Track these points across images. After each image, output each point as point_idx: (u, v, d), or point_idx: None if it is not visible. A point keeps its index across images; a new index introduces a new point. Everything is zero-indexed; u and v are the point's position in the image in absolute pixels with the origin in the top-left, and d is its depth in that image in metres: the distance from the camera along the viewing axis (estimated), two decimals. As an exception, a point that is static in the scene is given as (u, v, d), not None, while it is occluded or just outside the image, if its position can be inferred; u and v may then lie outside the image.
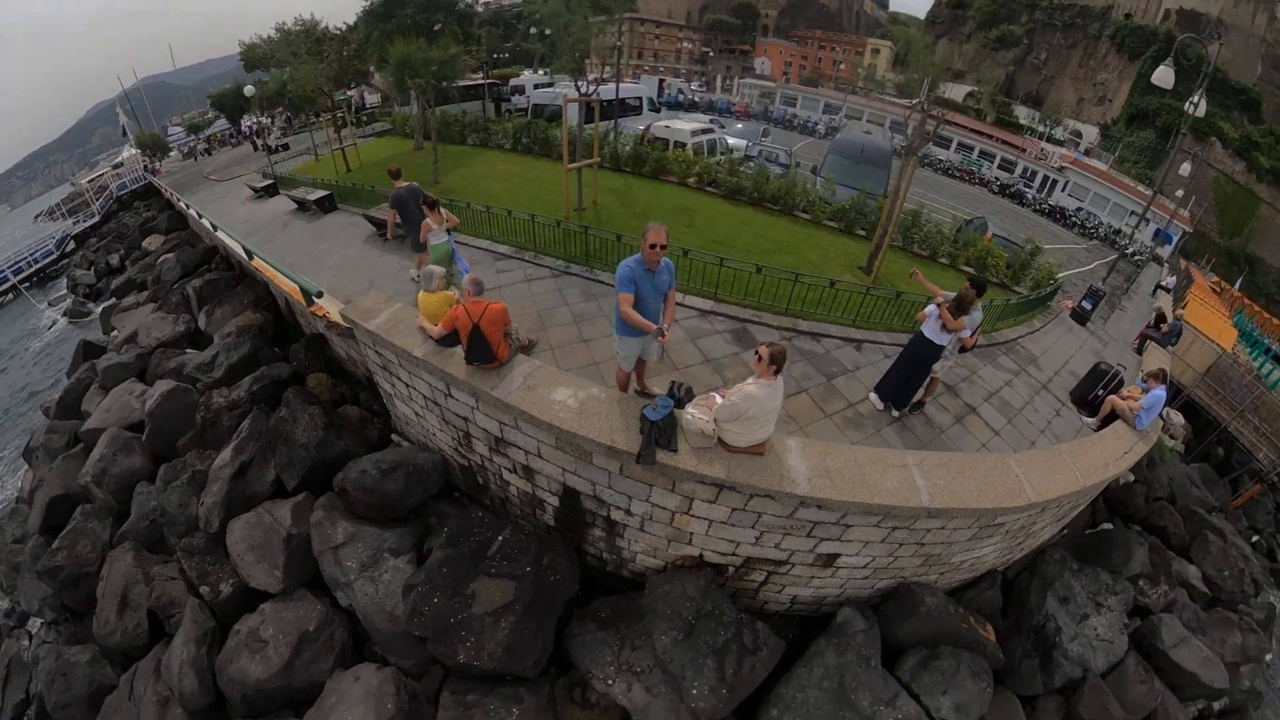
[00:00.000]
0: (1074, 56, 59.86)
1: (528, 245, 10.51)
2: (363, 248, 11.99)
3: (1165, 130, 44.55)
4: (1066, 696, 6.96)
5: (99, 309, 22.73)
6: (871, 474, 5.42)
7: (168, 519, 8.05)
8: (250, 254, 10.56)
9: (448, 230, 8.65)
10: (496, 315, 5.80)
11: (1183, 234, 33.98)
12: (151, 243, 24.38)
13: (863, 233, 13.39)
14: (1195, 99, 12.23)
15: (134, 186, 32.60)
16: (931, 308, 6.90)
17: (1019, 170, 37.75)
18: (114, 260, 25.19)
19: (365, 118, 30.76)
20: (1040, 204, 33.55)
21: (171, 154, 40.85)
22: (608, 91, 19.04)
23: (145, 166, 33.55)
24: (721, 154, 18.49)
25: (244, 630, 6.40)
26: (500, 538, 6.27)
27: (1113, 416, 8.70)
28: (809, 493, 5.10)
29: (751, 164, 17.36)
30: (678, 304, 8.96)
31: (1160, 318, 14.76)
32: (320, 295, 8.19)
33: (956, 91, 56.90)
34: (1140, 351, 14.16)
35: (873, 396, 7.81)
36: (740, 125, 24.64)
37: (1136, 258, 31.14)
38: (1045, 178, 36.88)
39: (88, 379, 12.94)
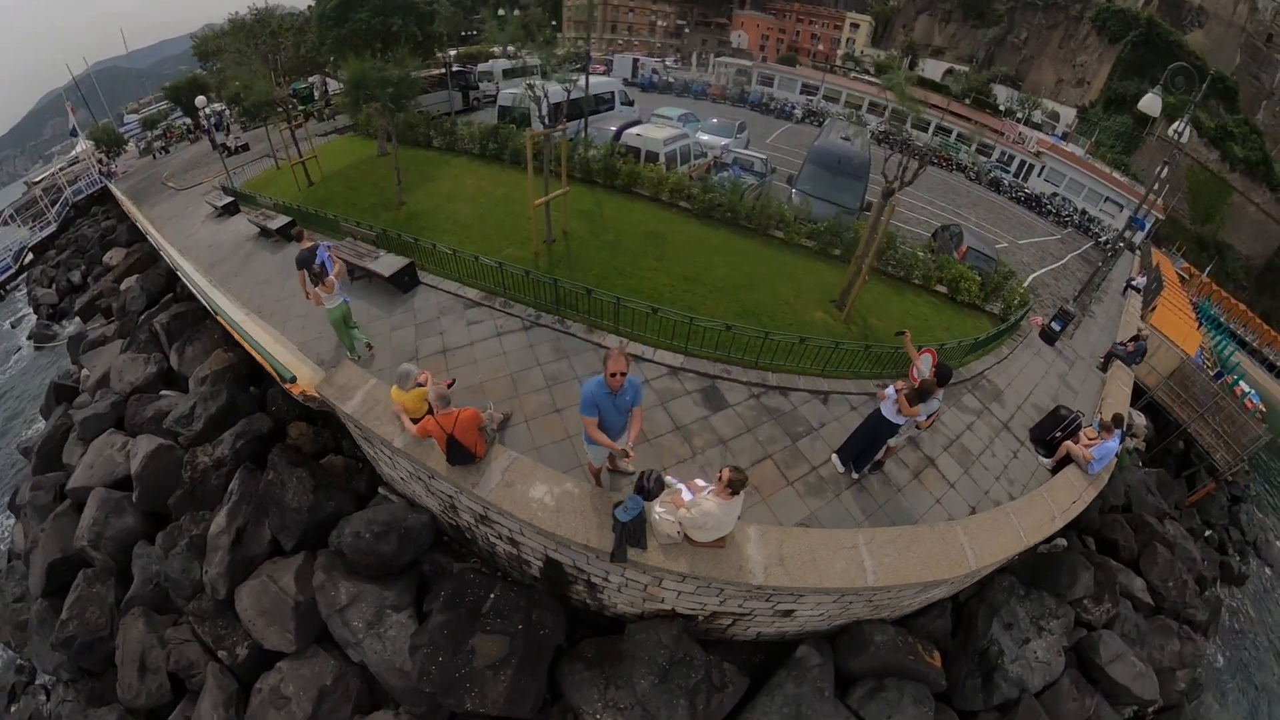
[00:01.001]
0: (1054, 37, 59.76)
1: (497, 290, 10.35)
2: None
3: (1142, 116, 44.70)
4: (1005, 713, 7.77)
5: (64, 331, 22.27)
6: (823, 557, 6.18)
7: (172, 583, 8.57)
8: (231, 323, 10.40)
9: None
10: (469, 423, 6.18)
11: (1155, 220, 34.70)
12: (113, 257, 23.71)
13: (838, 253, 13.34)
14: (1181, 127, 12.21)
15: (90, 190, 31.32)
16: (891, 390, 7.06)
17: (996, 154, 37.71)
18: (75, 278, 24.62)
19: (325, 109, 29.55)
20: (1017, 192, 33.53)
21: (128, 147, 39.24)
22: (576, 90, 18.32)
23: (100, 167, 32.11)
24: (696, 158, 18.11)
25: (266, 689, 7.06)
26: (492, 595, 6.92)
27: (1068, 458, 9.31)
28: (764, 582, 5.87)
29: (726, 174, 16.96)
30: (648, 359, 9.05)
31: (1134, 338, 15.16)
32: (293, 380, 8.30)
33: (935, 69, 56.45)
34: (1105, 369, 14.57)
35: (834, 459, 8.09)
36: (715, 121, 23.67)
37: (1109, 246, 31.51)
38: (1022, 162, 36.93)
39: (64, 425, 12.89)
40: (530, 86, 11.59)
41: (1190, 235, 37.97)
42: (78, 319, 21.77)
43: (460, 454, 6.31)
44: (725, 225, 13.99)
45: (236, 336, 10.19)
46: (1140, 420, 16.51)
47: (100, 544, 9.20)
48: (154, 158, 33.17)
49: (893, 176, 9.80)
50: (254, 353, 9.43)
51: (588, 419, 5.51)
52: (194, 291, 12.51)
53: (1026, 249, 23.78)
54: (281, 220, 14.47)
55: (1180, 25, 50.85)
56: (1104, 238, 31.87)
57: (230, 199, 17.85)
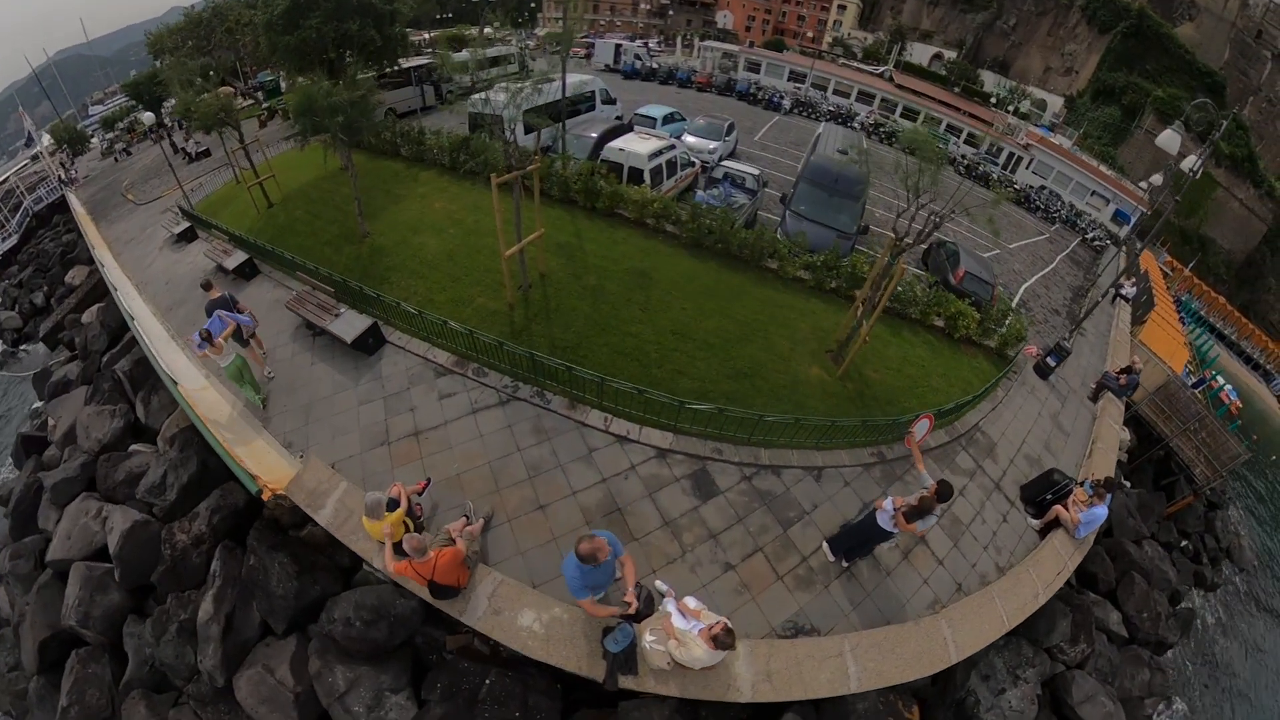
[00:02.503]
0: (1044, 24, 58.63)
1: (470, 355, 9.47)
2: (292, 347, 10.81)
3: (1130, 109, 44.14)
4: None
5: (29, 358, 21.23)
6: (809, 669, 6.42)
7: (167, 666, 8.37)
8: (189, 414, 9.55)
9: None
10: (449, 566, 6.00)
11: (1140, 215, 34.28)
12: (75, 276, 22.58)
13: (834, 286, 12.58)
14: (1197, 164, 11.51)
15: (51, 199, 29.61)
16: (888, 503, 6.69)
17: (985, 146, 36.76)
18: (38, 299, 23.58)
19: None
20: (1006, 186, 32.65)
21: (92, 143, 37.12)
22: (546, 93, 16.86)
23: (61, 173, 30.24)
24: (684, 167, 17.01)
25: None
26: (487, 681, 6.81)
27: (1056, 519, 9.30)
28: (752, 698, 6.11)
29: (716, 190, 15.89)
30: (634, 440, 8.31)
31: (1125, 370, 14.78)
32: (260, 493, 7.87)
33: (922, 54, 55.04)
34: (1096, 399, 14.12)
35: (825, 548, 7.78)
36: (702, 122, 22.22)
37: (1096, 242, 31.08)
38: (1010, 154, 36.05)
39: (36, 485, 12.38)
40: (487, 100, 10.42)
41: (1174, 228, 37.57)
42: (43, 345, 20.76)
43: (443, 591, 6.15)
44: (716, 256, 13.12)
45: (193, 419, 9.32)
46: (1124, 435, 16.33)
47: (89, 623, 8.98)
48: (115, 160, 31.33)
49: (903, 232, 8.91)
50: (213, 447, 8.72)
51: (583, 601, 5.38)
52: (150, 360, 11.49)
53: (1017, 254, 23.11)
54: (238, 258, 13.41)
55: (1171, 18, 50.13)
56: (1090, 234, 31.47)
57: (187, 225, 16.63)
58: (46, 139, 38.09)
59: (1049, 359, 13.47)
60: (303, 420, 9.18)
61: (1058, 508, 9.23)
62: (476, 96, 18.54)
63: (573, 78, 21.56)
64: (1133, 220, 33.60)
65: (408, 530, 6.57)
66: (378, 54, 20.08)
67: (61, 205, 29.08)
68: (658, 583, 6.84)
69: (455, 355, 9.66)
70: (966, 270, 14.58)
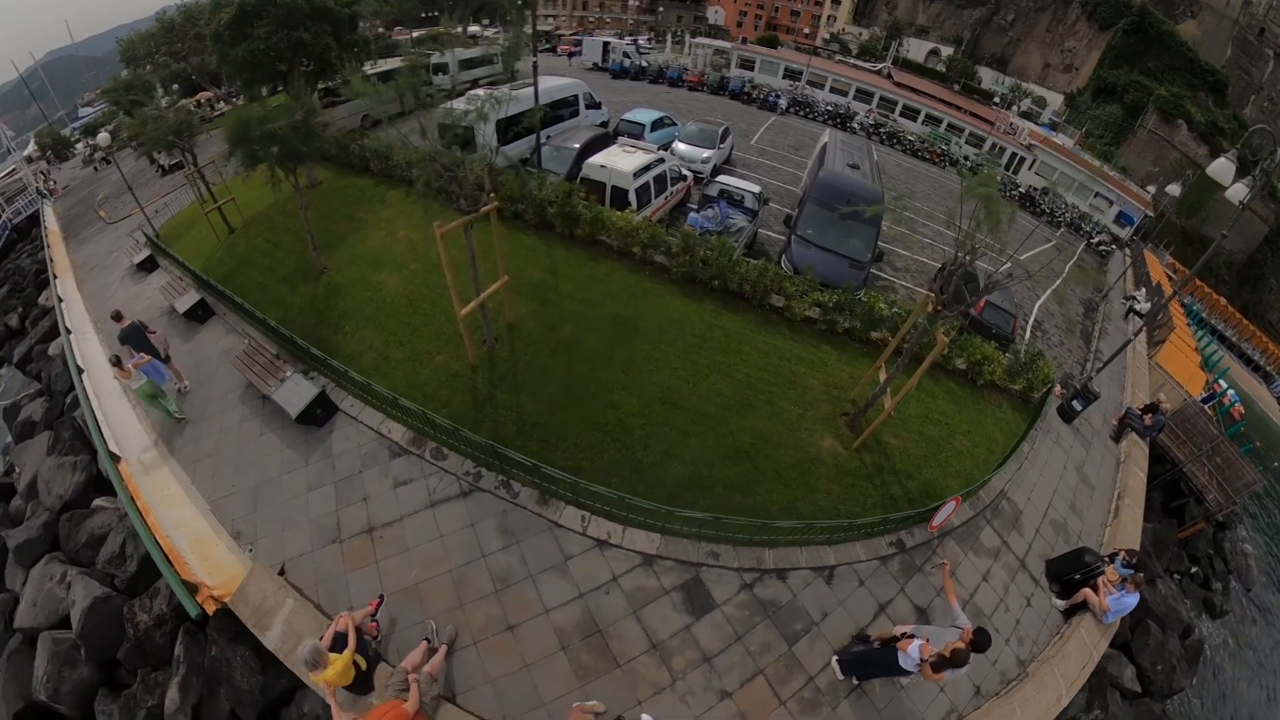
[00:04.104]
0: (1042, 20, 56.57)
1: (427, 432, 7.97)
2: (240, 411, 9.40)
3: (1132, 108, 42.59)
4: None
5: (9, 384, 19.76)
6: None
7: None
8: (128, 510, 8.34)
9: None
10: None
11: (1143, 216, 33.02)
12: (48, 297, 20.96)
13: (847, 329, 11.06)
14: (1246, 196, 10.11)
15: (31, 211, 27.94)
16: (914, 646, 5.60)
17: (987, 146, 34.98)
18: (13, 321, 21.96)
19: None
20: (1010, 190, 31.00)
21: (77, 148, 35.30)
22: (523, 100, 14.91)
23: (40, 182, 28.48)
24: (674, 182, 15.32)
25: None
26: None
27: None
28: None
29: (710, 213, 14.09)
30: (615, 544, 6.98)
31: (1150, 408, 13.49)
32: (200, 615, 6.91)
33: (918, 49, 52.96)
34: (1119, 438, 12.75)
35: (834, 664, 6.59)
36: (694, 128, 20.28)
37: (1101, 247, 29.65)
38: (1013, 155, 34.29)
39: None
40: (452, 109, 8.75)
41: (1176, 229, 36.18)
42: (17, 370, 19.23)
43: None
44: (712, 294, 11.47)
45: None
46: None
47: (60, 698, 8.55)
48: (95, 169, 29.57)
49: (946, 289, 7.33)
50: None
51: None
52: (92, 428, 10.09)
53: (1028, 265, 21.48)
54: (190, 299, 11.93)
55: (1173, 15, 48.20)
56: (1095, 238, 30.08)
57: (147, 253, 15.11)
58: (31, 146, 36.26)
59: (1075, 402, 12.05)
60: (250, 505, 7.96)
61: (1086, 591, 8.29)
62: (444, 106, 16.69)
63: (553, 81, 19.74)
64: (1135, 220, 32.39)
65: (359, 670, 5.46)
66: (336, 63, 18.06)
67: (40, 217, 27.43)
68: (645, 717, 5.78)
69: (411, 430, 8.17)
70: (987, 301, 12.97)
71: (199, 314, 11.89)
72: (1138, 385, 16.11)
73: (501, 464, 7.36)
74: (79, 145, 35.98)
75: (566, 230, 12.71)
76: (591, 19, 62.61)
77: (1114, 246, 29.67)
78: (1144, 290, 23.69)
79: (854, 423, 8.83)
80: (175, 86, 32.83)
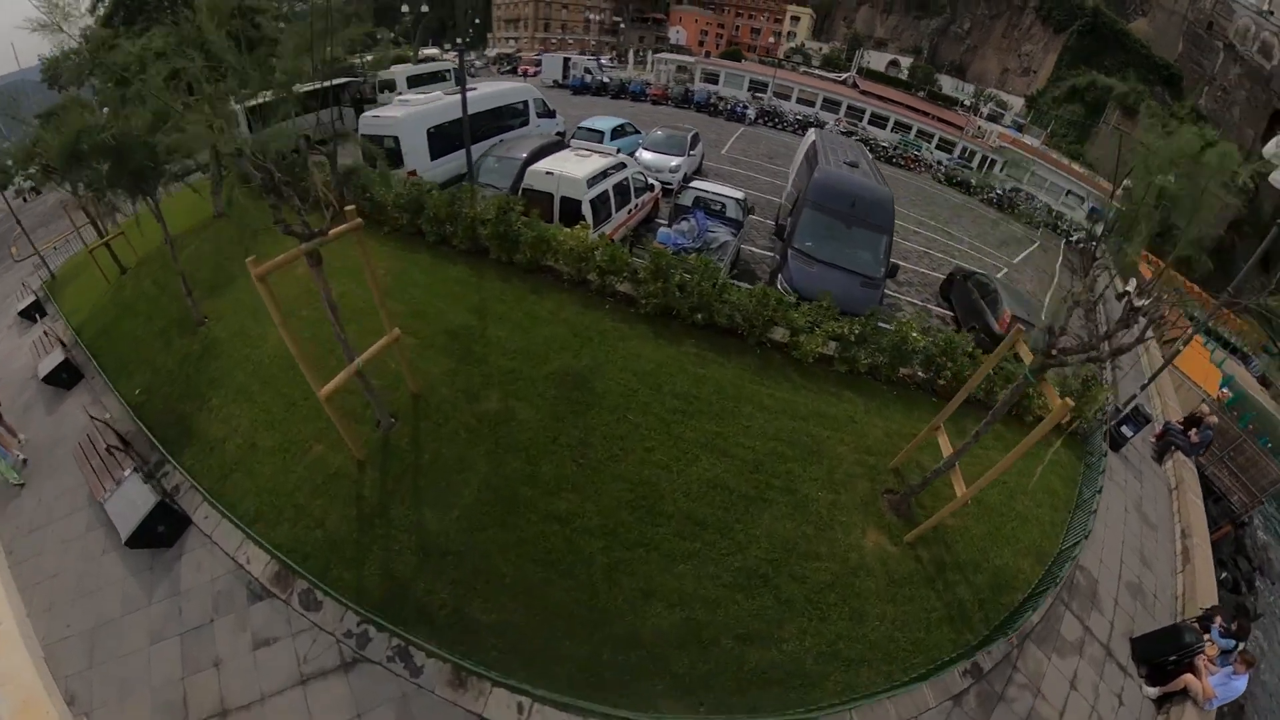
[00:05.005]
0: (998, 27, 57.31)
1: (298, 563, 5.38)
2: (86, 515, 6.93)
3: (1094, 105, 43.10)
4: None
5: None
6: None
7: None
8: None
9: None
10: None
11: (1115, 210, 32.82)
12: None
13: (869, 365, 8.71)
14: None
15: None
16: None
17: (958, 151, 33.95)
18: None
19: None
20: (986, 193, 29.95)
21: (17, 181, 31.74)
22: (456, 106, 12.54)
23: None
24: (639, 193, 12.99)
25: None
26: None
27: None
28: None
29: (685, 226, 11.72)
30: None
31: (1193, 420, 11.99)
32: None
33: (879, 60, 52.85)
34: (1161, 459, 10.97)
35: None
36: (661, 134, 18.04)
37: (1080, 244, 29.08)
38: (984, 158, 33.37)
39: None
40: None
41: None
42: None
43: None
44: (694, 332, 8.94)
45: None
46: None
47: None
48: (24, 200, 26.31)
49: (1070, 316, 5.07)
50: None
51: None
52: None
53: (1022, 269, 19.94)
54: (54, 359, 9.38)
55: (1125, 14, 49.37)
56: (1074, 236, 29.53)
57: (33, 298, 12.63)
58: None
59: (1124, 428, 10.05)
60: (87, 657, 5.55)
61: (1188, 678, 6.41)
62: (368, 114, 14.15)
63: (497, 85, 17.45)
64: (1108, 217, 32.34)
65: None
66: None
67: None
68: None
69: (276, 562, 5.56)
70: (1013, 314, 10.90)
71: (63, 377, 9.23)
72: (1163, 393, 14.40)
73: (391, 612, 4.80)
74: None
75: (503, 255, 10.19)
76: (554, 40, 61.18)
77: (1091, 242, 29.15)
78: (1134, 282, 22.82)
79: (902, 504, 6.53)
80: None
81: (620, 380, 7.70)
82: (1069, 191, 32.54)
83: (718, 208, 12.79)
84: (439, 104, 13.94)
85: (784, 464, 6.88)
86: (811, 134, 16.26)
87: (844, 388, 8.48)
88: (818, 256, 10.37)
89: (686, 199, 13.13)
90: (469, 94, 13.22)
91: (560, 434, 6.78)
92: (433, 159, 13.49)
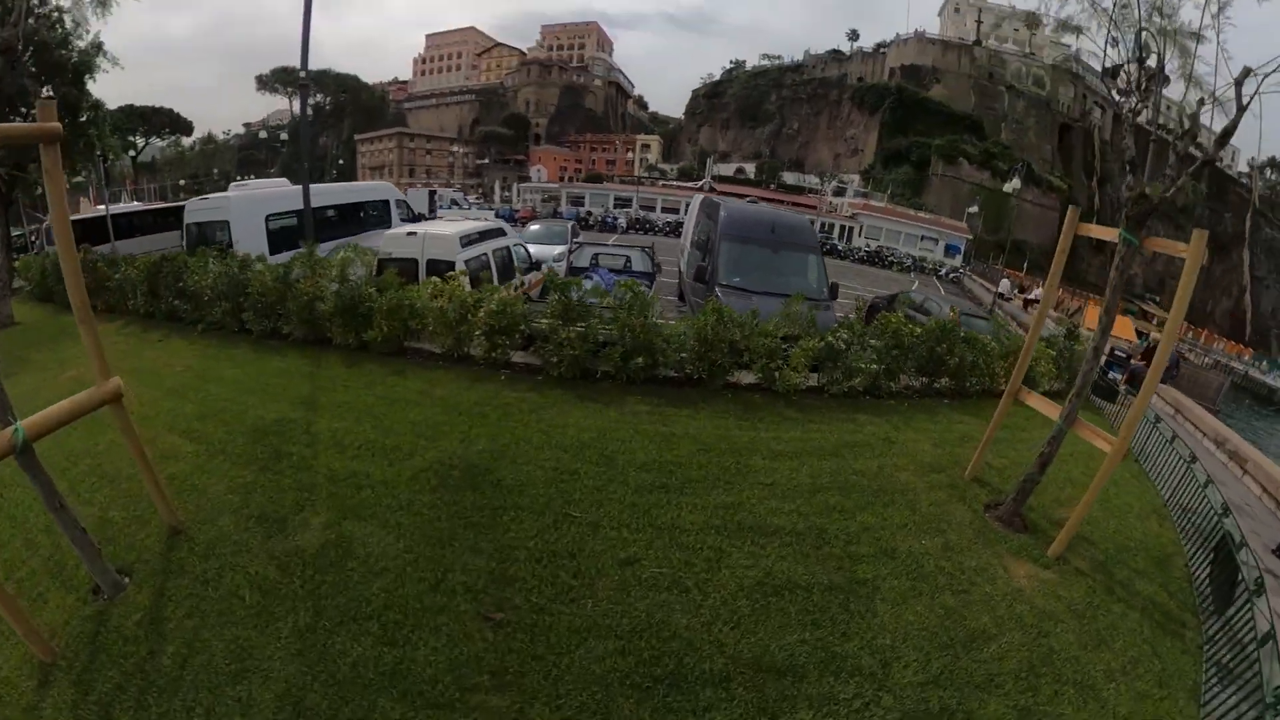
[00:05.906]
0: (821, 121, 67.52)
1: None
2: None
3: (918, 162, 50.62)
4: None
5: None
6: None
7: None
8: None
9: None
10: None
11: (966, 242, 37.95)
12: None
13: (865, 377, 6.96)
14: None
15: None
16: None
17: (819, 226, 37.05)
18: None
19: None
20: (856, 253, 33.04)
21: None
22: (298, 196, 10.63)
23: None
24: (526, 272, 10.81)
25: None
26: None
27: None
28: None
29: (589, 286, 9.56)
30: None
31: (1149, 352, 12.35)
32: None
33: (727, 169, 59.50)
34: (1134, 385, 10.20)
35: None
36: (538, 227, 16.42)
37: (951, 275, 31.92)
38: (843, 227, 36.85)
39: None
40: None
41: (989, 243, 41.90)
42: None
43: None
44: (631, 388, 6.59)
45: None
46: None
47: None
48: None
49: None
50: None
51: None
52: None
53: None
54: None
55: (923, 85, 59.91)
56: (943, 270, 32.65)
57: None
58: None
59: (1109, 374, 9.37)
60: None
61: None
62: (195, 203, 11.58)
63: (357, 183, 15.83)
64: (961, 248, 37.23)
65: None
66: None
67: None
68: None
69: None
70: (962, 312, 10.21)
71: None
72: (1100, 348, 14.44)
73: None
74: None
75: (350, 338, 7.44)
76: (420, 185, 62.53)
77: (961, 272, 32.61)
78: (1006, 282, 25.88)
79: (1013, 517, 4.55)
80: None
81: (544, 463, 4.91)
82: (923, 236, 36.80)
83: (620, 263, 11.27)
84: (283, 190, 11.77)
85: (852, 520, 4.44)
86: (696, 197, 15.66)
87: (852, 411, 6.50)
88: (751, 289, 8.88)
89: (583, 259, 11.43)
90: (317, 186, 11.35)
91: (449, 571, 3.67)
92: (272, 254, 10.76)
